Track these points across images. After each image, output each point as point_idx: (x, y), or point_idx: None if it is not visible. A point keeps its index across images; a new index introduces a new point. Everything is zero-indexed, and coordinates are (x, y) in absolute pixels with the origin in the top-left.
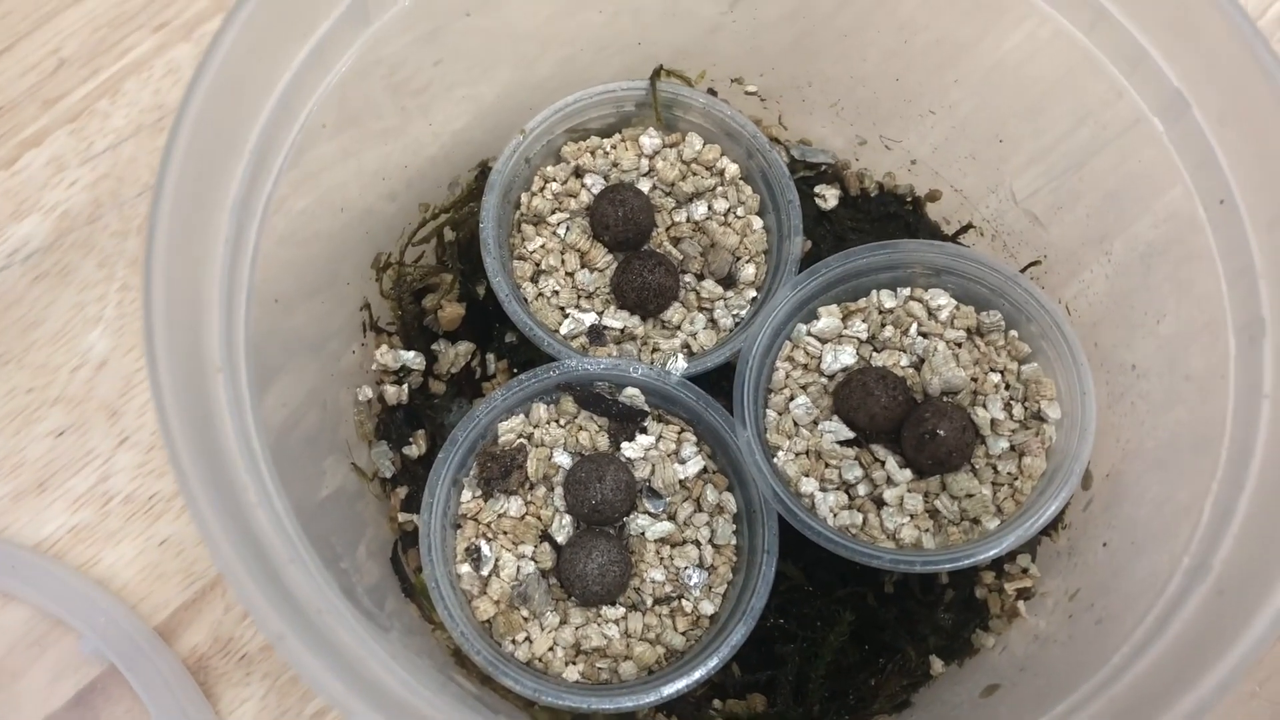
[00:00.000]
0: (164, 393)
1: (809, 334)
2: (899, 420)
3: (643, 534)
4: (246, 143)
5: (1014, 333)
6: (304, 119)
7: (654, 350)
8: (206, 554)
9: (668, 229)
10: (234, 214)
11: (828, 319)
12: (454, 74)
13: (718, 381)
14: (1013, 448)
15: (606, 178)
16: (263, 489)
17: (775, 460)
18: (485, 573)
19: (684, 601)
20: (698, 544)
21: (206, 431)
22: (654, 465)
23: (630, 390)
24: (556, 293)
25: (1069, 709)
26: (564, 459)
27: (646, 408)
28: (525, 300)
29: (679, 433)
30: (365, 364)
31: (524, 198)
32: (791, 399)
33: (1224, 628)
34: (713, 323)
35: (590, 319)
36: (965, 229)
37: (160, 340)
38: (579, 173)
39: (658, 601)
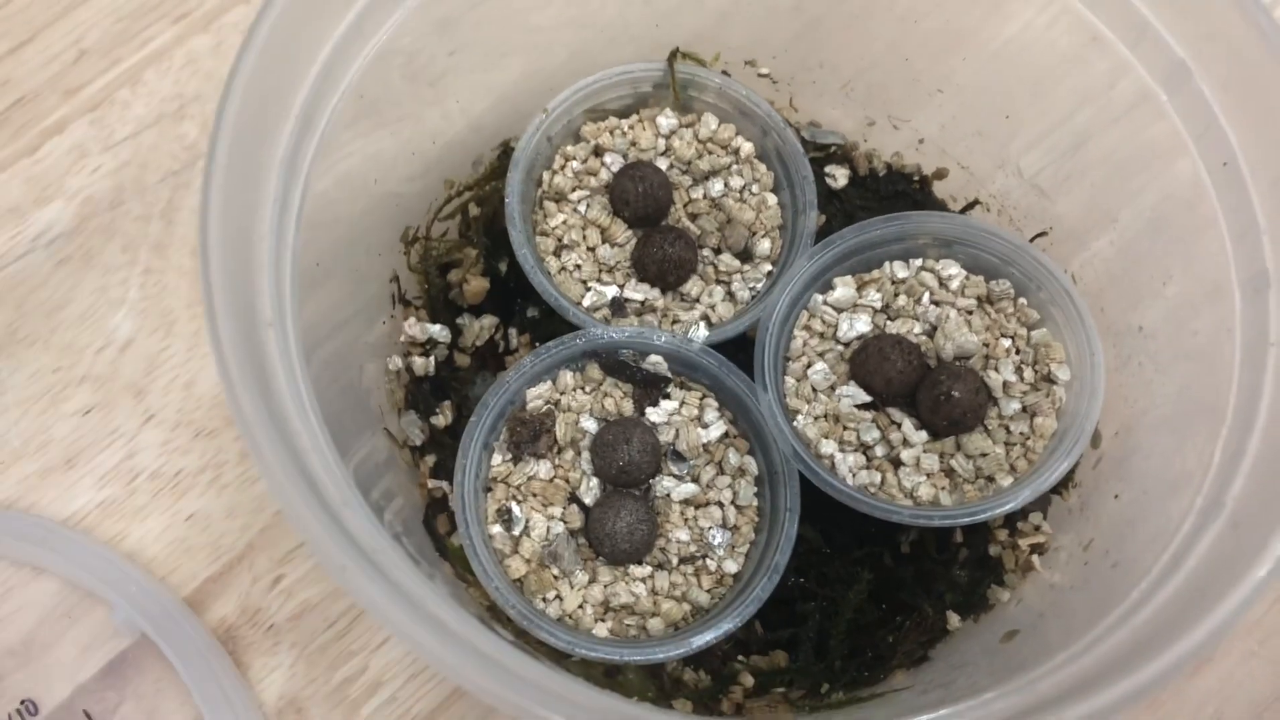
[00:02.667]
0: (223, 343)
1: (825, 304)
2: (914, 384)
3: (668, 495)
4: (292, 108)
5: (1023, 300)
6: (343, 89)
7: (674, 322)
8: (232, 528)
9: (685, 205)
10: (281, 173)
11: (843, 289)
12: (470, 61)
13: (734, 353)
14: (1024, 409)
15: (625, 156)
16: (316, 440)
17: (795, 423)
18: (516, 533)
19: (708, 560)
20: (721, 505)
21: (262, 382)
22: (678, 429)
23: (654, 357)
24: (579, 267)
25: (1091, 642)
26: (590, 424)
27: (669, 374)
28: (549, 273)
29: (701, 398)
30: (394, 335)
31: (546, 175)
32: (809, 365)
33: (1241, 556)
34: (730, 295)
35: (612, 292)
36: (972, 205)
37: (219, 293)
38: (598, 151)
39: (683, 560)
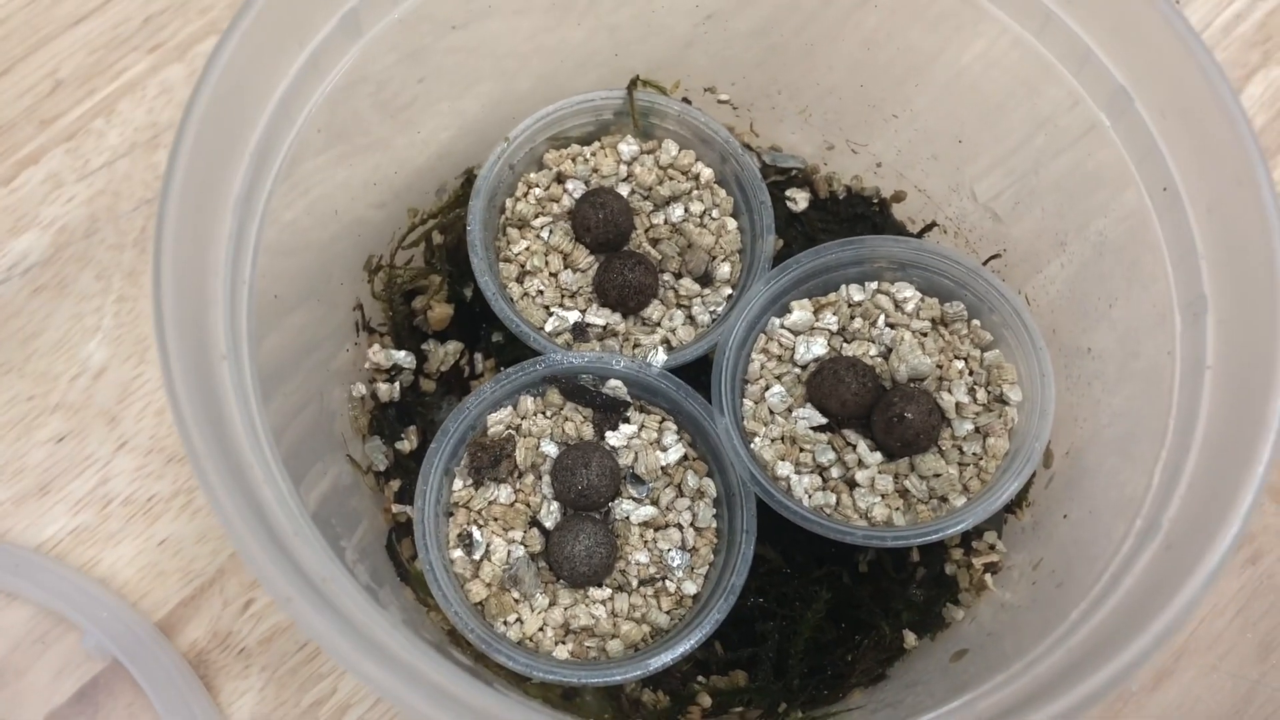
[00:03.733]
0: (174, 377)
1: (782, 327)
2: (869, 406)
3: (627, 518)
4: (247, 145)
5: (976, 322)
6: (299, 125)
7: (635, 346)
8: (203, 553)
9: (646, 231)
10: (236, 212)
11: (800, 312)
12: (438, 90)
13: (696, 376)
14: (977, 429)
15: (587, 183)
16: (268, 469)
17: (752, 445)
18: (477, 557)
19: (668, 582)
20: (680, 527)
21: (214, 414)
22: (637, 453)
23: (613, 382)
24: (541, 292)
25: (1030, 662)
26: (551, 448)
27: (629, 398)
28: (511, 300)
29: (660, 422)
30: (359, 362)
31: (508, 203)
32: (767, 388)
33: (1172, 576)
34: (691, 319)
35: (574, 316)
36: (929, 228)
37: (170, 327)
38: (560, 178)
39: (642, 582)
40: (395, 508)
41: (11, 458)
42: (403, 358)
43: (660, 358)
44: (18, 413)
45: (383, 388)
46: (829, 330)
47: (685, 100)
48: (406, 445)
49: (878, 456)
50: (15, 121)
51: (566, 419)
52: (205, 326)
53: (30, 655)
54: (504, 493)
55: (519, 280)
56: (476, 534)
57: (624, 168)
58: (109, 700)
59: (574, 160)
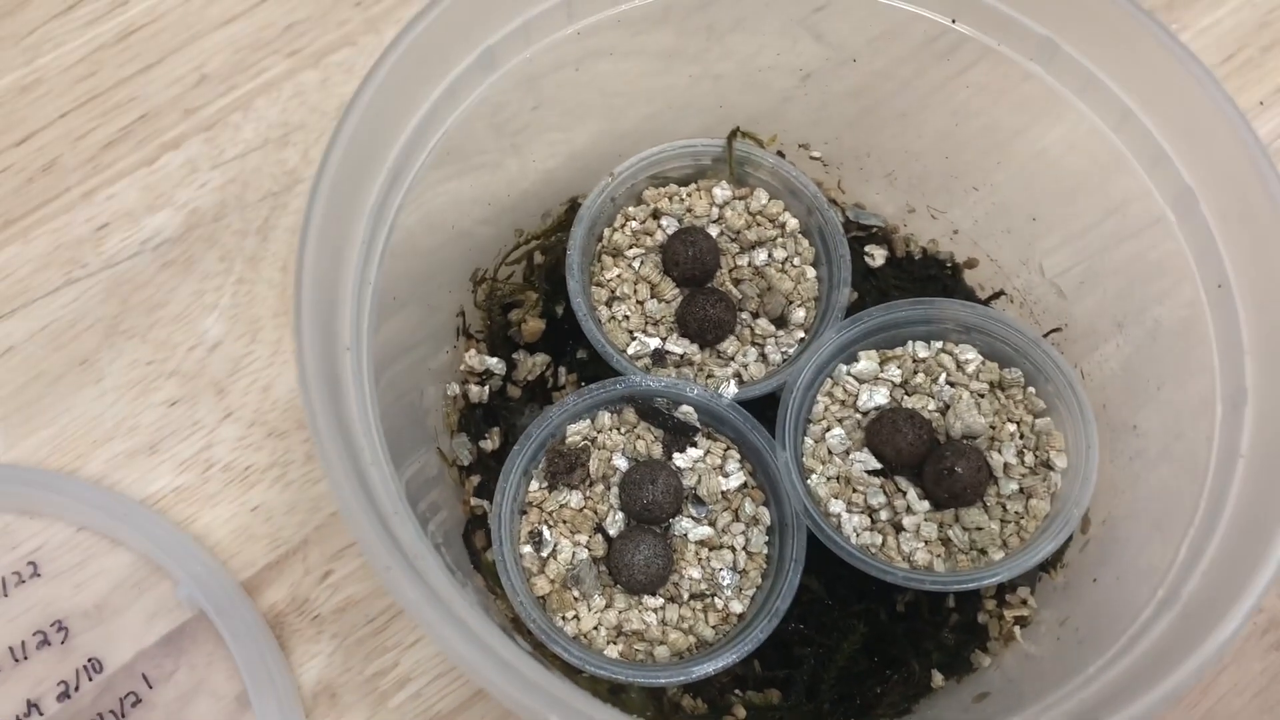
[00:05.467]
0: (307, 364)
1: (849, 374)
2: (922, 456)
3: (685, 535)
4: (386, 160)
5: (1032, 389)
6: (432, 146)
7: (709, 376)
8: (291, 522)
9: (730, 271)
10: (369, 219)
11: (866, 362)
12: (550, 119)
13: (762, 410)
14: (1021, 490)
15: (680, 221)
16: (375, 454)
17: (809, 481)
18: (544, 554)
19: (716, 599)
20: (733, 549)
21: (336, 398)
22: (700, 476)
23: (685, 407)
24: (627, 317)
25: (1045, 706)
26: (622, 462)
27: (698, 424)
28: (599, 321)
29: (725, 449)
30: (455, 364)
31: (606, 232)
32: (828, 429)
33: (1184, 644)
34: (763, 357)
35: (655, 343)
36: (997, 295)
37: (307, 318)
38: (657, 214)
39: (693, 596)
40: (474, 501)
41: (128, 415)
42: (495, 364)
43: (731, 390)
44: (138, 375)
45: (474, 389)
46: (892, 382)
47: (779, 154)
48: (489, 445)
49: (925, 505)
50: (162, 109)
51: (639, 437)
52: (335, 320)
53: (128, 597)
54: (575, 498)
55: (608, 304)
56: (546, 533)
57: (716, 210)
58: (193, 647)
59: (670, 199)
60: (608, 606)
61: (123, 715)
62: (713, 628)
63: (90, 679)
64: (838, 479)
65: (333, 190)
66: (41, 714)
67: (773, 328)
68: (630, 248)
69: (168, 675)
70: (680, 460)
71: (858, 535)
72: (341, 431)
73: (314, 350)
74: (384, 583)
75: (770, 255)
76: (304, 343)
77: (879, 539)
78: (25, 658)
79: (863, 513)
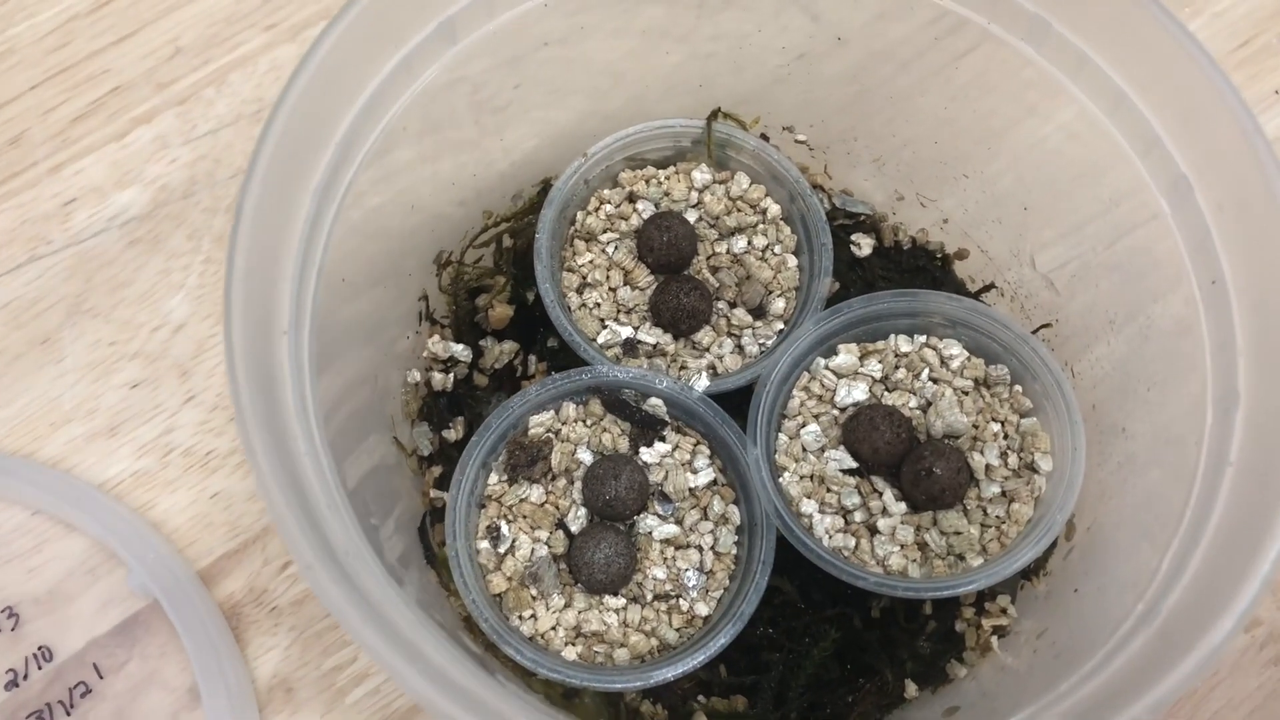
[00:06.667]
0: (235, 345)
1: (827, 368)
2: (900, 456)
3: (650, 533)
4: (334, 135)
5: (1018, 388)
6: (386, 122)
7: (681, 367)
8: (251, 510)
9: (708, 258)
10: (315, 197)
11: (846, 356)
12: (532, 98)
13: (737, 405)
14: (1004, 493)
15: (657, 205)
16: (311, 443)
17: (780, 480)
18: (502, 550)
19: (681, 600)
20: (700, 549)
21: (268, 384)
22: (668, 472)
23: (654, 400)
24: (598, 305)
25: None
26: (586, 456)
27: (667, 418)
28: (569, 309)
29: (694, 444)
30: (417, 350)
31: (579, 215)
32: (803, 426)
33: (1160, 664)
34: (739, 349)
35: (626, 332)
36: (987, 288)
37: (238, 297)
38: (632, 198)
39: (657, 597)
40: (433, 493)
41: (88, 397)
42: (460, 351)
43: (703, 382)
44: (99, 355)
45: (437, 377)
46: (872, 377)
47: (763, 136)
48: (452, 434)
49: (902, 507)
50: (135, 82)
51: (605, 430)
52: (272, 301)
53: (81, 584)
54: (536, 492)
55: (579, 291)
56: (504, 528)
57: (695, 194)
58: (145, 637)
59: (647, 182)
60: (567, 606)
61: (71, 706)
62: (676, 630)
63: (40, 667)
64: (811, 478)
65: (273, 164)
66: None
67: (750, 318)
68: (604, 232)
69: (120, 665)
70: (647, 455)
71: (830, 537)
72: (272, 419)
73: (246, 332)
74: (307, 581)
75: (750, 242)
76: (233, 325)
77: (852, 542)
78: None
79: (836, 513)
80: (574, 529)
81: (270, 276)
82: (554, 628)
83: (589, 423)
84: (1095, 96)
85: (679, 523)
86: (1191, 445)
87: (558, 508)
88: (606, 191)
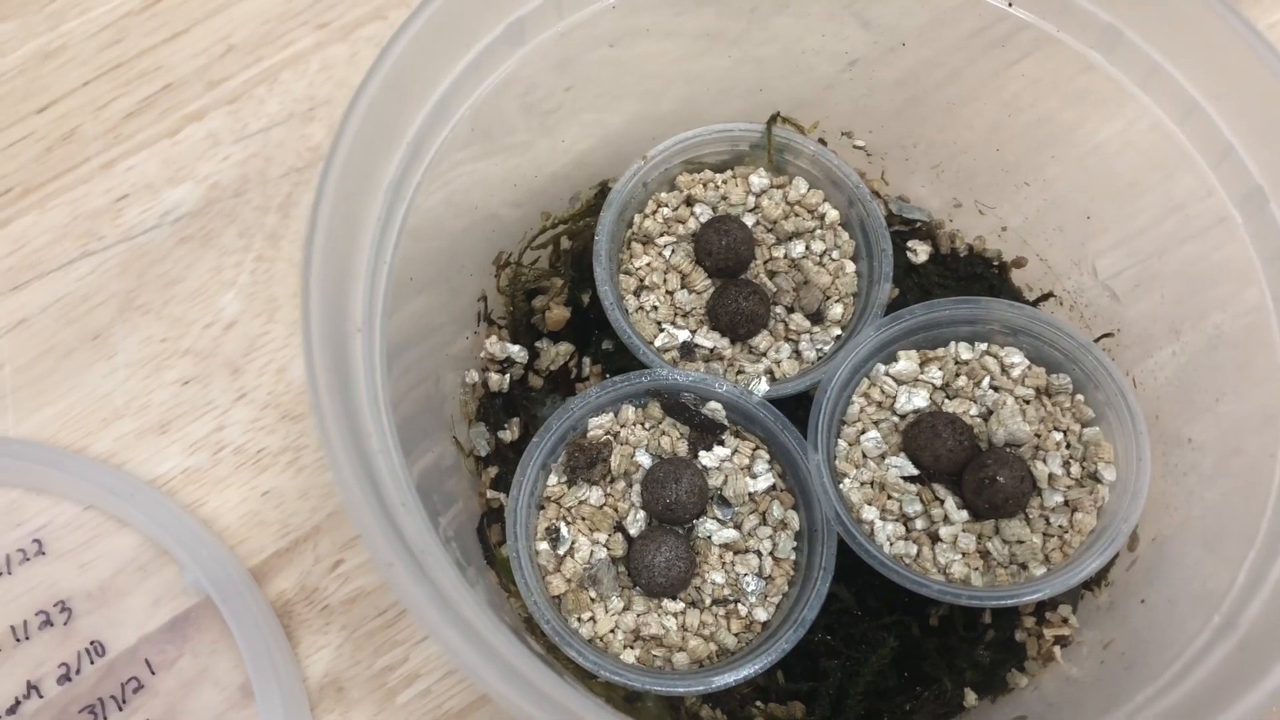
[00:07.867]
0: (314, 343)
1: (887, 374)
2: (962, 464)
3: (709, 538)
4: (405, 134)
5: (1080, 397)
6: (454, 123)
7: (739, 372)
8: (303, 509)
9: (765, 262)
10: (386, 196)
11: (906, 362)
12: (582, 100)
13: (794, 410)
14: (1066, 503)
15: (715, 209)
16: (384, 440)
17: (841, 486)
18: (561, 552)
19: (740, 605)
20: (759, 554)
21: (343, 381)
22: (727, 476)
23: (713, 404)
24: (656, 308)
25: None
26: (645, 459)
27: (726, 422)
28: (626, 311)
29: (754, 449)
30: (475, 350)
31: (637, 218)
32: (863, 432)
33: (1243, 677)
34: (797, 354)
35: (684, 336)
36: (1046, 297)
37: (315, 296)
38: (690, 201)
39: (716, 602)
40: (490, 493)
41: (139, 393)
42: (516, 352)
43: (762, 387)
44: (151, 351)
45: (494, 378)
46: (932, 384)
47: (821, 141)
48: (508, 435)
49: (964, 515)
50: (187, 79)
51: (664, 433)
52: (346, 300)
53: (133, 580)
54: (595, 495)
55: (636, 294)
56: (564, 530)
57: (752, 199)
58: (197, 634)
59: (705, 185)
60: (625, 609)
61: (124, 701)
62: (735, 635)
63: (92, 662)
64: (872, 484)
65: (348, 163)
66: (41, 696)
67: (808, 323)
68: (661, 235)
69: (171, 662)
70: (706, 459)
71: (891, 544)
72: (348, 416)
73: (323, 330)
74: (385, 578)
75: (808, 247)
76: (312, 321)
77: (914, 549)
78: (27, 638)
79: (897, 521)
80: (633, 532)
81: (344, 274)
82: (613, 630)
83: (648, 425)
84: (1166, 104)
85: (738, 527)
86: (1265, 456)
87: (616, 510)
88: (664, 194)
